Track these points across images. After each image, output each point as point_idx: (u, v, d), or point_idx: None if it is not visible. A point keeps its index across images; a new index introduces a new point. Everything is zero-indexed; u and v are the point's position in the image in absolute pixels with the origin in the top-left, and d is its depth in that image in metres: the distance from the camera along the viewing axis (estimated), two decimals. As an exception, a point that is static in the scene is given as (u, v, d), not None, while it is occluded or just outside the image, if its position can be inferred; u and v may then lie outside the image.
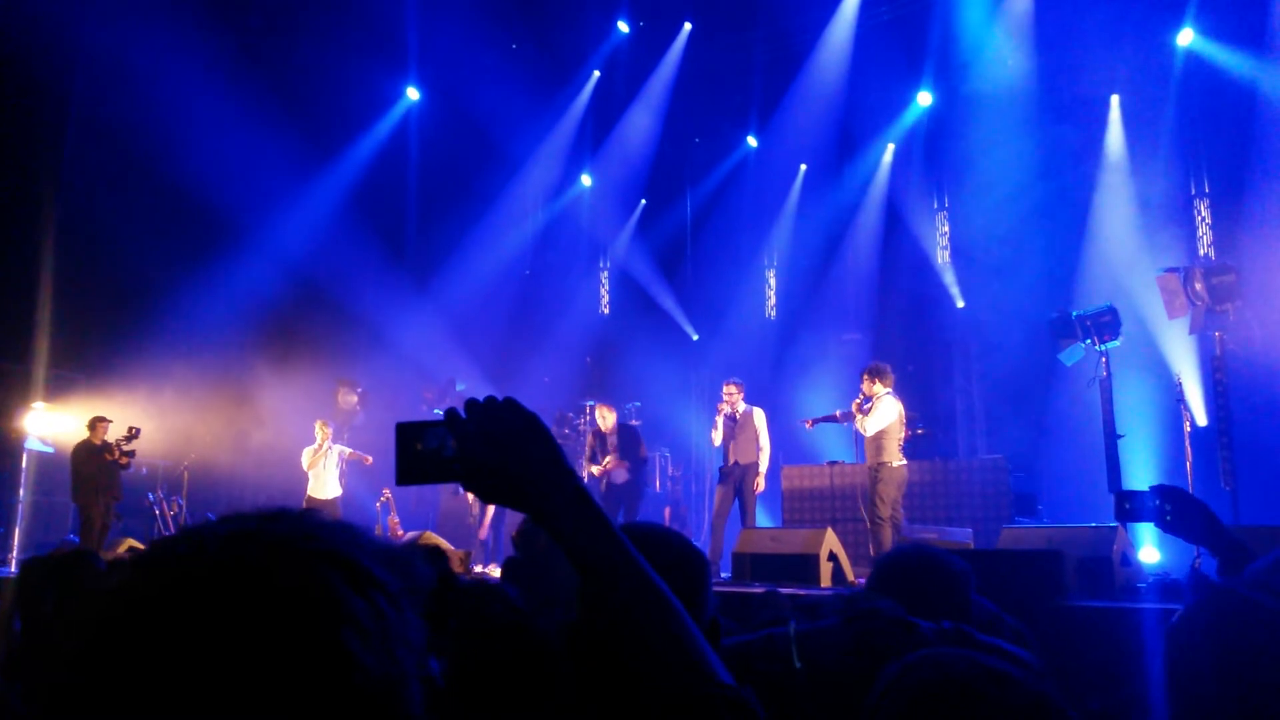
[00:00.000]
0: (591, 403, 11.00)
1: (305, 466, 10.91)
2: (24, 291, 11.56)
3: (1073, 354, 8.49)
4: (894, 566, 2.28)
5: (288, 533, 0.68)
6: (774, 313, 15.94)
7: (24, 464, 11.79)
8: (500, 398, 1.09)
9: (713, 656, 1.00)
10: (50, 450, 11.84)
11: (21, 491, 11.63)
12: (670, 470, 14.21)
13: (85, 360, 12.38)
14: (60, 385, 12.19)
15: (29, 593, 3.82)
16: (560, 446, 1.07)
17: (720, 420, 9.15)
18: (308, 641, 0.62)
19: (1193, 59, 11.69)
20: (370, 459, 11.12)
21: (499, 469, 1.04)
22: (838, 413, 8.93)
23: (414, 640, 0.70)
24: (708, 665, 0.99)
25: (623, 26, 14.47)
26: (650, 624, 0.99)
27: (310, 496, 10.87)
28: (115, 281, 11.94)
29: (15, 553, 10.86)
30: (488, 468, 1.05)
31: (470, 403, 1.07)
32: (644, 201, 16.65)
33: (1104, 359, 8.12)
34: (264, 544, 0.66)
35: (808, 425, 9.64)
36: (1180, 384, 8.88)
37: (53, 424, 11.97)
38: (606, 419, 10.16)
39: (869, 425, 8.14)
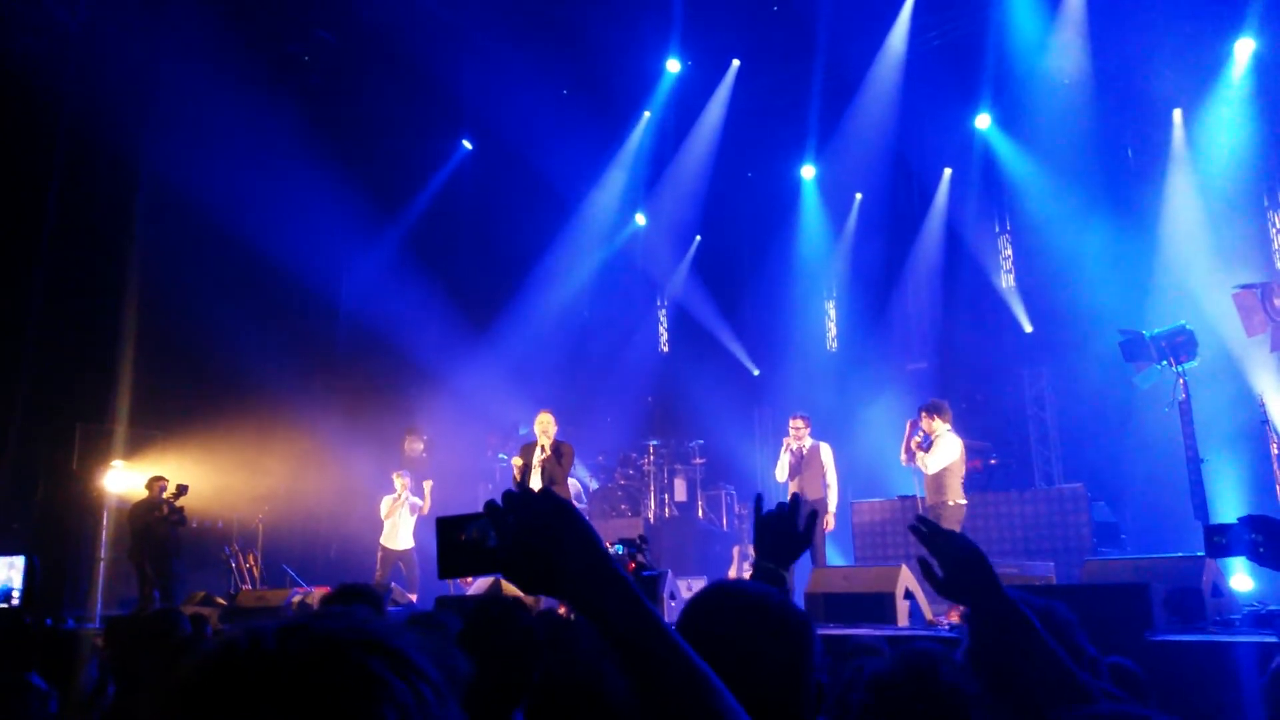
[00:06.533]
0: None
1: (383, 515, 11.01)
2: (104, 354, 11.97)
3: (1148, 377, 8.25)
4: None
5: (335, 627, 0.75)
6: (835, 344, 15.78)
7: (105, 521, 12.10)
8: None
9: None
10: (127, 507, 12.16)
11: (103, 549, 11.93)
12: (737, 508, 14.08)
13: (162, 418, 12.72)
14: (138, 443, 12.53)
15: (117, 651, 3.91)
16: (598, 535, 1.08)
17: (786, 455, 9.05)
18: (351, 715, 0.69)
19: (1256, 67, 11.39)
20: (426, 507, 11.21)
21: (539, 559, 1.07)
22: (903, 452, 8.48)
23: None
24: None
25: (671, 67, 14.59)
26: (694, 713, 1.00)
27: (385, 546, 10.95)
28: (188, 340, 12.26)
29: (99, 608, 11.11)
30: (528, 558, 1.07)
31: (508, 494, 1.11)
32: (699, 238, 16.67)
33: (1181, 380, 7.87)
34: (312, 637, 0.73)
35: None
36: (1264, 404, 8.57)
37: (130, 481, 12.29)
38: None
39: (931, 463, 8.01)
